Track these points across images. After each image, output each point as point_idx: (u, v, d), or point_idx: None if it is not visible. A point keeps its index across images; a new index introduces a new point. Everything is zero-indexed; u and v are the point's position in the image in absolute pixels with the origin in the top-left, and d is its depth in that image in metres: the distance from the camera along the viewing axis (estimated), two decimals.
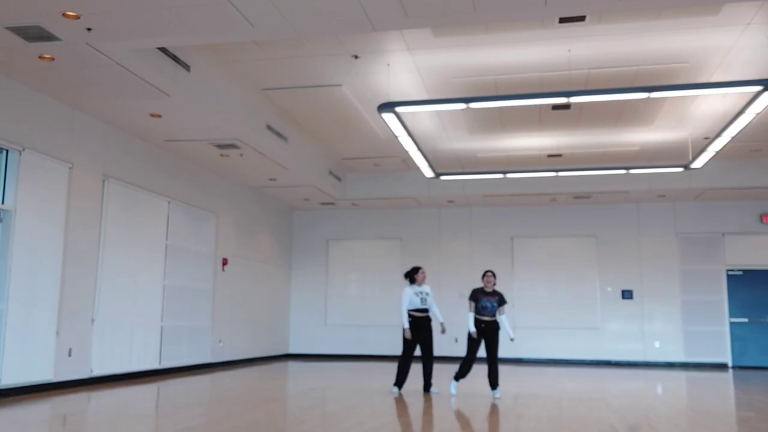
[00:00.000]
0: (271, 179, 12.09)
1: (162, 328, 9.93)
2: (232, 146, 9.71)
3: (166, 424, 5.31)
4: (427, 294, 7.86)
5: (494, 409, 6.48)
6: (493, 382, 7.43)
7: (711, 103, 9.15)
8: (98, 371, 8.48)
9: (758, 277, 13.49)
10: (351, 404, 6.71)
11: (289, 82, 8.53)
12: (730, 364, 13.33)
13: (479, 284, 8.00)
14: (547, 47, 7.33)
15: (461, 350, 14.13)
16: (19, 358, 7.17)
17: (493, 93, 8.70)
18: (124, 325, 9.02)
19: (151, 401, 6.85)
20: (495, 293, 7.53)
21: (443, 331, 8.10)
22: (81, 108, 8.10)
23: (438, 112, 9.70)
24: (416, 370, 10.32)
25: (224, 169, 11.35)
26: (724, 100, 9.00)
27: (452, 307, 14.26)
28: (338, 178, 13.28)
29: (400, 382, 7.78)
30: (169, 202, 10.20)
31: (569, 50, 7.39)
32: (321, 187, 12.50)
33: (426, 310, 7.85)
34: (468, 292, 14.18)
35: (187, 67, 7.48)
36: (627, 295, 13.91)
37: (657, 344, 13.65)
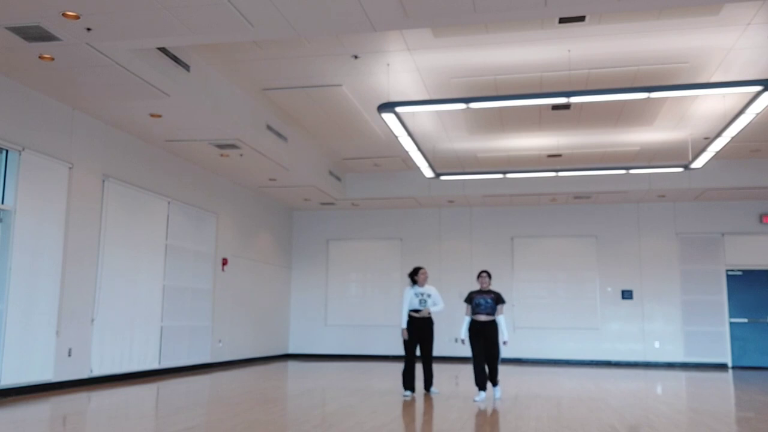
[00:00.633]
0: (271, 179, 12.09)
1: (162, 328, 9.93)
2: (232, 146, 9.71)
3: (166, 424, 5.31)
4: (428, 295, 7.79)
5: (494, 409, 6.48)
6: (492, 380, 7.34)
7: (711, 103, 9.15)
8: (98, 371, 8.48)
9: (758, 277, 13.49)
10: (351, 404, 6.71)
11: (289, 82, 8.53)
12: (729, 364, 13.33)
13: (477, 285, 7.97)
14: (547, 47, 7.32)
15: (461, 350, 14.13)
16: (19, 358, 7.17)
17: (493, 93, 8.70)
18: (124, 325, 9.02)
19: (151, 401, 6.85)
20: (490, 292, 7.47)
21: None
22: (81, 108, 8.09)
23: (438, 112, 9.70)
24: (420, 370, 10.32)
25: (224, 169, 11.35)
26: (724, 100, 9.00)
27: (452, 307, 14.25)
28: (338, 178, 13.28)
29: (407, 384, 7.65)
30: (169, 202, 10.20)
31: (569, 50, 7.39)
32: (321, 187, 12.50)
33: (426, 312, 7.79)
34: (467, 293, 14.20)
35: (187, 67, 7.47)
36: (627, 295, 13.91)
37: (657, 344, 13.65)
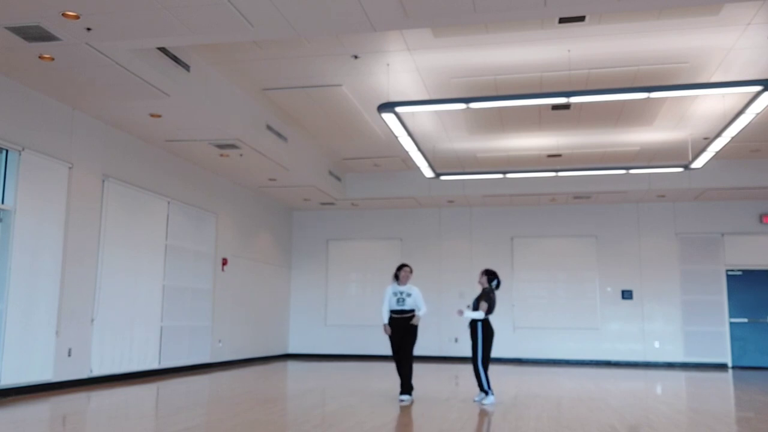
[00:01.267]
0: (270, 179, 12.09)
1: (162, 328, 9.93)
2: (232, 146, 9.71)
3: (166, 424, 5.31)
4: (408, 295, 7.22)
5: (494, 409, 6.48)
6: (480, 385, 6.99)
7: (711, 103, 9.15)
8: (98, 371, 8.48)
9: (758, 277, 13.49)
10: (351, 404, 6.71)
11: (289, 82, 8.53)
12: (729, 364, 13.32)
13: (477, 287, 7.59)
14: (547, 47, 7.32)
15: (461, 350, 14.13)
16: (18, 358, 7.16)
17: (493, 93, 8.70)
18: (124, 325, 9.02)
19: (151, 401, 6.84)
20: (482, 291, 7.15)
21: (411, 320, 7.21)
22: (81, 108, 8.09)
23: (438, 113, 9.70)
24: (417, 369, 10.31)
25: (224, 169, 11.35)
26: (723, 100, 9.00)
27: (452, 307, 14.25)
28: (338, 178, 13.28)
29: (403, 387, 7.15)
30: (168, 202, 10.20)
31: (569, 50, 7.38)
32: (321, 187, 12.50)
33: (404, 311, 7.19)
34: (468, 292, 14.20)
35: (186, 67, 7.47)
36: (627, 295, 13.90)
37: (657, 344, 13.65)
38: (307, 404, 6.67)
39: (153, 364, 9.68)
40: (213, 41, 6.16)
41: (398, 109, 7.77)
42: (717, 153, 10.28)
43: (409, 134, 8.81)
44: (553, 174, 12.22)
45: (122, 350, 8.97)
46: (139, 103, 7.80)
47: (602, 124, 10.16)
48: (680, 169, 10.73)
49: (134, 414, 5.86)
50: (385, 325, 7.28)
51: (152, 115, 8.30)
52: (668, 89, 6.96)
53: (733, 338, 13.40)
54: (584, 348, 13.91)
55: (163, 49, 7.00)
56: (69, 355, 7.94)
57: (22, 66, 6.74)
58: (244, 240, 12.90)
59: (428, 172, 11.07)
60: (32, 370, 7.37)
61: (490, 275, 7.20)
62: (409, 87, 8.55)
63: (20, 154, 7.26)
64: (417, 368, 10.43)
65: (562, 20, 6.62)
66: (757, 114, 8.25)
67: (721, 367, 13.26)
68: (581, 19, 6.60)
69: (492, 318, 7.85)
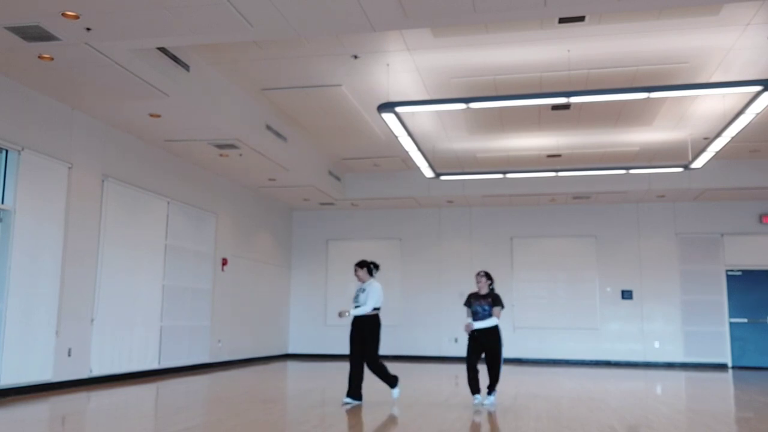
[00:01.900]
0: (270, 179, 12.09)
1: (161, 328, 9.93)
2: (232, 146, 9.71)
3: (166, 424, 5.31)
4: (362, 290, 6.85)
5: (494, 409, 6.48)
6: (489, 386, 6.84)
7: (711, 103, 9.15)
8: (98, 371, 8.48)
9: (758, 277, 13.49)
10: (351, 404, 6.70)
11: (289, 82, 8.53)
12: (729, 364, 13.33)
13: (476, 286, 7.39)
14: (546, 47, 7.32)
15: (461, 350, 14.12)
16: (18, 358, 7.16)
17: (493, 93, 8.70)
18: (124, 325, 9.02)
19: (151, 401, 6.84)
20: (488, 295, 6.84)
21: (341, 314, 6.77)
22: (80, 108, 8.09)
23: (438, 112, 9.70)
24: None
25: (224, 169, 11.35)
26: (723, 100, 9.00)
27: (452, 307, 14.25)
28: (338, 178, 13.28)
29: (387, 381, 6.93)
30: (168, 202, 10.20)
31: (569, 50, 7.38)
32: (320, 187, 12.49)
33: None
34: (467, 292, 14.18)
35: (186, 67, 7.47)
36: (626, 295, 13.90)
37: (656, 344, 13.65)
38: (307, 404, 6.67)
39: (153, 364, 9.68)
40: (213, 41, 6.16)
41: (398, 109, 7.77)
42: (717, 153, 10.28)
43: (409, 134, 8.81)
44: (552, 174, 12.22)
45: (122, 350, 8.97)
46: (138, 103, 7.80)
47: (602, 124, 10.16)
48: (680, 169, 10.73)
49: (134, 414, 5.86)
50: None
51: (152, 115, 8.30)
52: (668, 89, 6.96)
53: (733, 338, 13.40)
54: (584, 348, 13.91)
55: (162, 49, 7.00)
56: (69, 355, 7.94)
57: (21, 66, 6.74)
58: (244, 240, 12.90)
59: (428, 172, 11.07)
60: (32, 370, 7.36)
61: (491, 277, 7.01)
62: (409, 87, 8.55)
63: (20, 154, 7.25)
64: (416, 368, 10.42)
65: (561, 20, 6.62)
66: (757, 114, 8.25)
67: (721, 367, 13.26)
68: (581, 19, 6.60)
69: None
